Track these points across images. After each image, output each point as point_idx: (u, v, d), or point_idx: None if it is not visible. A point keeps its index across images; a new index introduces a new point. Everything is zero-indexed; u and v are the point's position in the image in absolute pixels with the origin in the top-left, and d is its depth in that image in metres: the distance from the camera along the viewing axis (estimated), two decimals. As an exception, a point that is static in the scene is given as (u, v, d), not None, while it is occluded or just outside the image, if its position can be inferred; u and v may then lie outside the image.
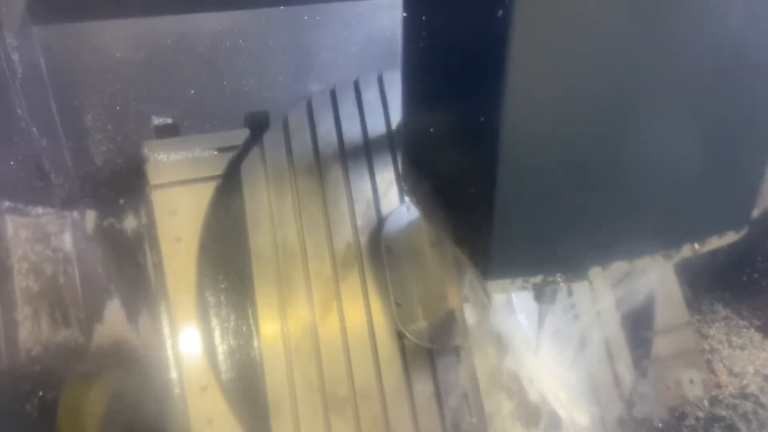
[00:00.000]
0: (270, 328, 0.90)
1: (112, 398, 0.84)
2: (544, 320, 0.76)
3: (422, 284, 0.91)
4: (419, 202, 0.74)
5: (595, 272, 0.62)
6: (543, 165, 0.56)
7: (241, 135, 1.01)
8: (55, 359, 0.81)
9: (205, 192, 0.96)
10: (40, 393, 0.78)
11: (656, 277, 0.99)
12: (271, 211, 0.99)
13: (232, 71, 1.23)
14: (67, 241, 0.89)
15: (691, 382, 0.93)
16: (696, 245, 0.66)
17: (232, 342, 0.91)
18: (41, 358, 0.80)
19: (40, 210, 0.93)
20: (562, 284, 0.63)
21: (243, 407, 0.85)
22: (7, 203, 0.86)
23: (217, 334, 0.91)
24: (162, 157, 0.96)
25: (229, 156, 0.99)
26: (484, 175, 0.56)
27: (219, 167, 0.98)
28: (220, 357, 0.88)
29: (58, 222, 0.91)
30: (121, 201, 1.09)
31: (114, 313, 0.91)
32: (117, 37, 1.12)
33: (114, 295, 0.92)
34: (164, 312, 0.92)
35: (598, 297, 0.93)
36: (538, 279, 0.61)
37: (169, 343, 0.90)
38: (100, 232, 0.97)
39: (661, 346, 0.94)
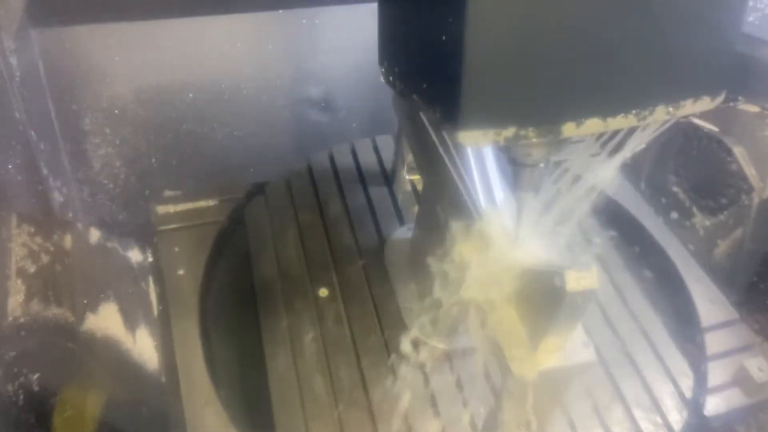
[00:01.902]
0: (274, 345, 0.91)
1: (106, 406, 0.83)
2: (523, 210, 0.75)
3: (428, 289, 0.92)
4: (395, 80, 0.73)
5: (569, 128, 0.62)
6: (514, 7, 0.55)
7: (244, 187, 1.12)
8: (42, 330, 0.78)
9: (210, 232, 1.05)
10: (24, 372, 0.75)
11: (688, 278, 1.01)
12: (273, 240, 1.04)
13: (230, 74, 1.23)
14: (68, 242, 0.89)
15: (761, 369, 0.92)
16: (670, 108, 0.65)
17: (235, 359, 0.92)
18: (27, 325, 0.77)
19: (39, 215, 0.93)
20: (534, 140, 0.61)
21: (247, 424, 0.84)
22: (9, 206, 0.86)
23: (219, 350, 0.91)
24: (169, 207, 1.07)
25: (231, 205, 1.09)
26: (455, 15, 0.55)
27: (222, 213, 1.08)
28: (222, 373, 0.88)
29: (61, 226, 0.90)
30: (126, 231, 1.15)
31: (110, 313, 0.89)
32: (115, 40, 1.12)
33: (112, 299, 0.91)
34: (166, 331, 0.93)
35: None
36: (510, 132, 0.60)
37: (167, 356, 0.91)
38: (104, 250, 0.97)
39: (715, 344, 0.95)
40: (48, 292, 0.81)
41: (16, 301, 0.78)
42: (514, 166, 0.74)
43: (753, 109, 1.05)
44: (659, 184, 1.22)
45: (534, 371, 0.68)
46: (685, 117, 0.68)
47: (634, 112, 0.64)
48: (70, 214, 1.07)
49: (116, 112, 1.16)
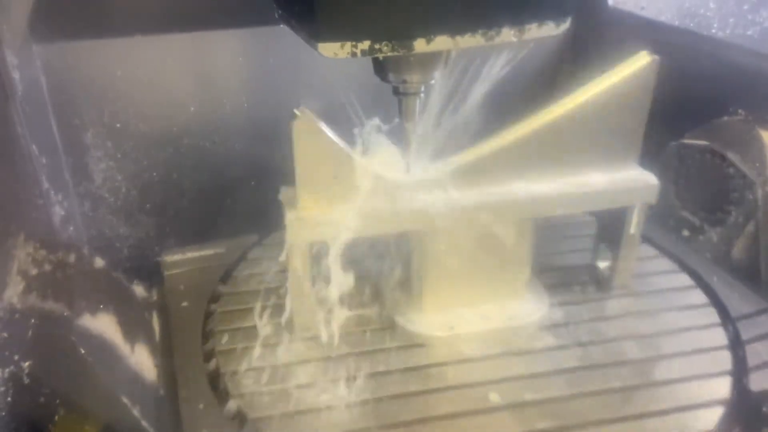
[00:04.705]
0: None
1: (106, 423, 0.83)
2: (410, 139, 0.82)
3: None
4: (283, 13, 0.82)
5: (420, 44, 0.67)
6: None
7: (249, 240, 1.15)
8: (36, 317, 0.78)
9: (216, 273, 1.08)
10: (15, 358, 0.74)
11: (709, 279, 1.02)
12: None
13: (232, 88, 1.24)
14: (71, 259, 0.88)
15: None
16: (516, 30, 0.69)
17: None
18: (22, 311, 0.77)
19: (40, 228, 0.93)
20: (390, 54, 0.67)
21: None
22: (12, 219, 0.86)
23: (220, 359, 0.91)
24: (177, 257, 1.11)
25: (238, 252, 1.12)
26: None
27: (229, 258, 1.11)
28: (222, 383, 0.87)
29: (66, 247, 0.90)
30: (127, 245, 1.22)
31: (108, 321, 0.89)
32: (117, 55, 1.13)
33: (112, 312, 0.91)
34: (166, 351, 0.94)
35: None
36: (365, 45, 0.66)
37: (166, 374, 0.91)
38: (108, 276, 0.96)
39: (748, 331, 0.94)
40: (47, 290, 0.81)
41: (13, 291, 0.78)
42: (396, 95, 0.82)
43: (737, 117, 1.11)
44: (665, 212, 1.24)
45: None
46: (532, 40, 0.72)
47: (480, 32, 0.68)
48: (71, 228, 1.07)
49: (118, 126, 1.16)
